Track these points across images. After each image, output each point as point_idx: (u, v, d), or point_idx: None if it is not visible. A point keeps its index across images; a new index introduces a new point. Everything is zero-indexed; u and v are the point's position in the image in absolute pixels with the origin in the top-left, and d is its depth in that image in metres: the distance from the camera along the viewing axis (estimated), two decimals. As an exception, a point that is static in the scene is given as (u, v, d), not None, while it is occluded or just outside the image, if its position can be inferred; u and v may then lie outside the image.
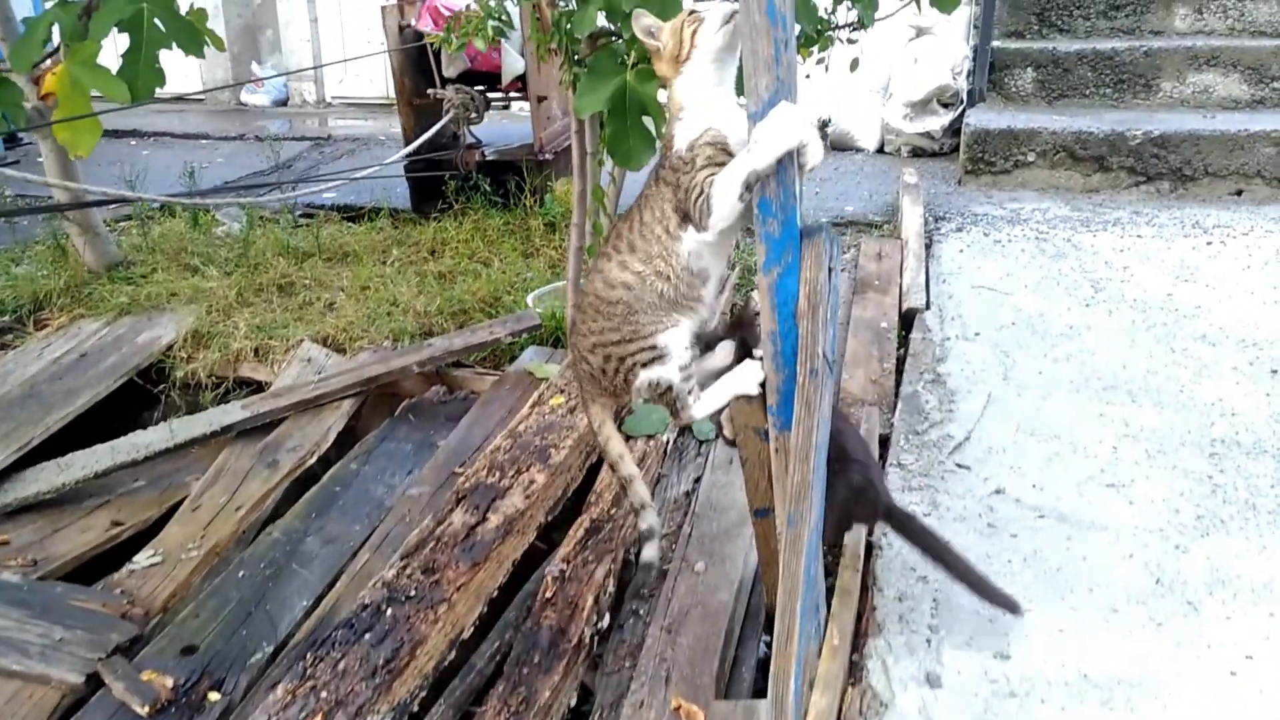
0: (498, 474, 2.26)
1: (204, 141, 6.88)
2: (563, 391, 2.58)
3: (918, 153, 5.37)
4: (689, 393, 1.58)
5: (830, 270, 1.45)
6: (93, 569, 2.60)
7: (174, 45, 3.07)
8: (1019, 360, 2.88)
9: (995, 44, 5.01)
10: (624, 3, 2.39)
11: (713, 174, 1.41)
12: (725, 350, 1.66)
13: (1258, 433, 2.40)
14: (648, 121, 2.37)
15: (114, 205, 5.05)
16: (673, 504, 2.37)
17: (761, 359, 1.52)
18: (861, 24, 2.43)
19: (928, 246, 3.82)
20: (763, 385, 1.54)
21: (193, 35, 3.10)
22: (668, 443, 2.56)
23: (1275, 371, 2.69)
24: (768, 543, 1.86)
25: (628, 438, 2.54)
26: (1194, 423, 2.46)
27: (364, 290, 3.71)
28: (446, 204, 4.49)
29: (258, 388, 3.41)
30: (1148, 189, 4.28)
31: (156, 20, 2.97)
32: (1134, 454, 2.35)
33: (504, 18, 2.27)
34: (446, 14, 4.17)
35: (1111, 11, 5.07)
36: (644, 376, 1.57)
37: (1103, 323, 3.09)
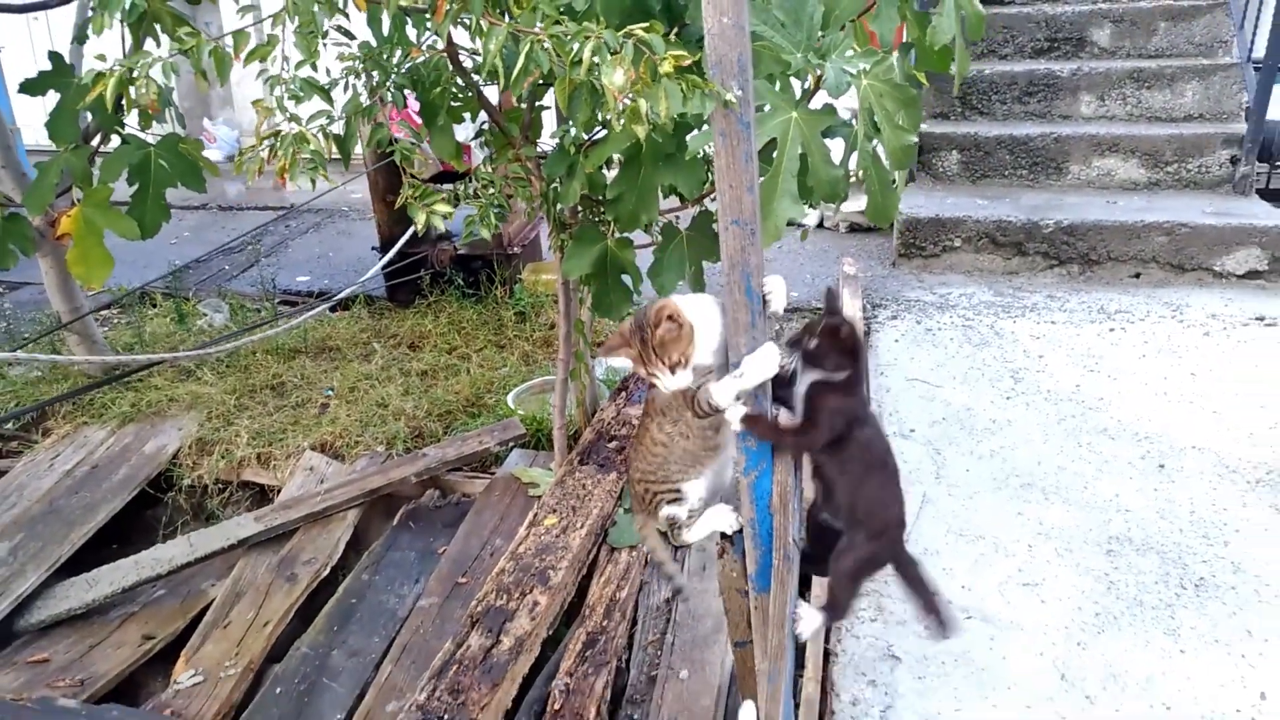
0: (505, 597, 2.61)
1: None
2: (555, 511, 2.92)
3: (855, 228, 5.81)
4: (685, 526, 1.97)
5: (796, 471, 1.83)
6: (133, 679, 2.88)
7: (178, 184, 3.38)
8: (949, 458, 3.29)
9: (923, 127, 5.47)
10: (604, 180, 2.77)
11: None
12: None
13: (1146, 529, 2.83)
14: (626, 279, 2.74)
15: (92, 293, 5.29)
16: (655, 611, 2.73)
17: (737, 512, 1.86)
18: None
19: (866, 335, 4.23)
20: (738, 530, 1.91)
21: (194, 172, 3.42)
22: (649, 551, 2.91)
23: (1162, 466, 3.14)
24: (744, 662, 2.23)
25: (612, 550, 2.89)
26: (1095, 520, 2.89)
27: (353, 391, 4.01)
28: (422, 294, 4.80)
29: (261, 490, 3.70)
30: (1060, 271, 4.76)
31: (162, 161, 3.27)
32: (1046, 553, 2.77)
33: (505, 204, 2.62)
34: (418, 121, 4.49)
35: (1025, 97, 5.56)
36: (665, 510, 1.96)
37: (1021, 416, 3.52)
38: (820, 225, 5.95)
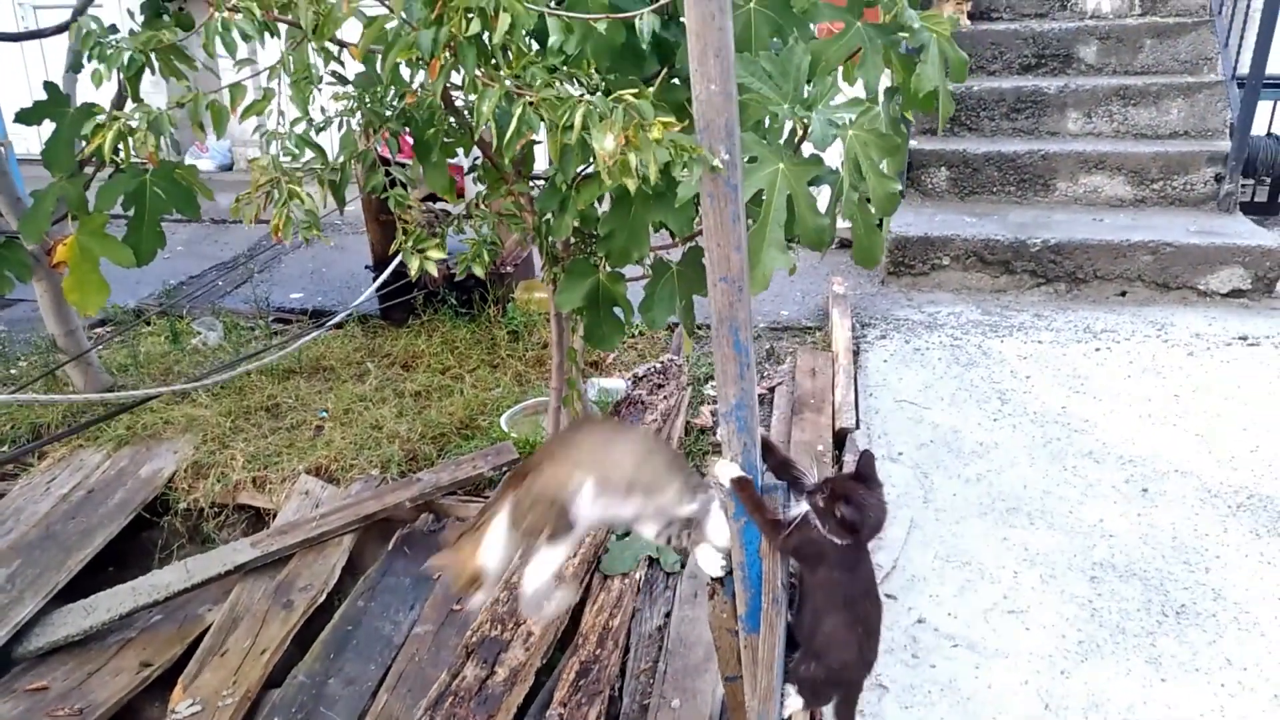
0: (499, 627, 2.65)
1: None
2: (548, 539, 2.97)
3: (845, 244, 5.84)
4: None
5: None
6: (131, 706, 2.91)
7: (174, 210, 3.41)
8: (937, 482, 3.34)
9: (912, 144, 5.52)
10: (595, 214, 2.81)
11: None
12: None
13: (1129, 554, 2.89)
14: (618, 312, 2.79)
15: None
16: (647, 639, 2.77)
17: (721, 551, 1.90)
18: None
19: (856, 354, 4.28)
20: (728, 572, 1.95)
21: (189, 198, 3.45)
22: (640, 579, 2.96)
23: (1145, 490, 3.20)
24: (734, 696, 2.27)
25: (605, 577, 2.93)
26: (1079, 545, 2.95)
27: (347, 413, 4.04)
28: (415, 313, 4.83)
29: (256, 514, 3.72)
30: (1047, 289, 4.82)
31: (157, 189, 3.30)
32: (1031, 579, 2.82)
33: (499, 241, 2.66)
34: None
35: (1013, 114, 5.62)
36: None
37: (1008, 439, 3.57)
38: (810, 240, 5.98)
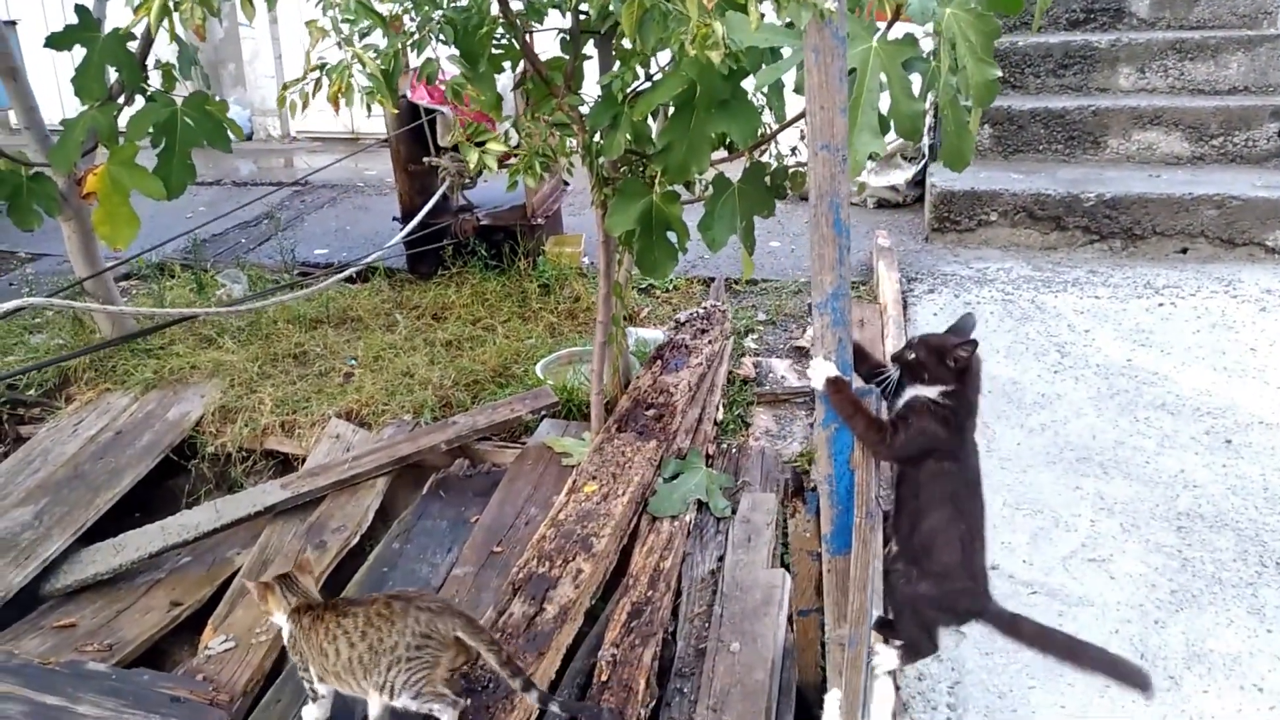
0: (547, 564, 2.49)
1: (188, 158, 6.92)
2: (594, 478, 2.81)
3: (883, 204, 5.68)
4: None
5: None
6: (159, 647, 2.78)
7: (205, 142, 3.27)
8: (999, 432, 3.17)
9: (955, 101, 5.33)
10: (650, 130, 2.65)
11: None
12: None
13: (1218, 505, 2.71)
14: (671, 237, 2.62)
15: (109, 264, 5.18)
16: (700, 583, 2.61)
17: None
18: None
19: (904, 308, 4.11)
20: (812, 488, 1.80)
21: (220, 131, 3.30)
22: (690, 522, 2.80)
23: (1229, 442, 3.01)
24: (805, 633, 2.12)
25: (653, 519, 2.77)
26: (1160, 496, 2.77)
27: (377, 360, 3.89)
28: (444, 266, 4.68)
29: (285, 459, 3.58)
30: (1101, 247, 4.63)
31: (188, 119, 3.16)
32: (1110, 528, 2.65)
33: (550, 153, 2.50)
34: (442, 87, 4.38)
35: (1060, 70, 5.42)
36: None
37: (1071, 391, 3.40)
38: (850, 201, 5.80)
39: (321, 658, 2.08)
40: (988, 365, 3.59)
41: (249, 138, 9.11)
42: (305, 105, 1.94)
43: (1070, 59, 5.38)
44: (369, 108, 1.90)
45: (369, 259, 4.30)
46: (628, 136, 2.51)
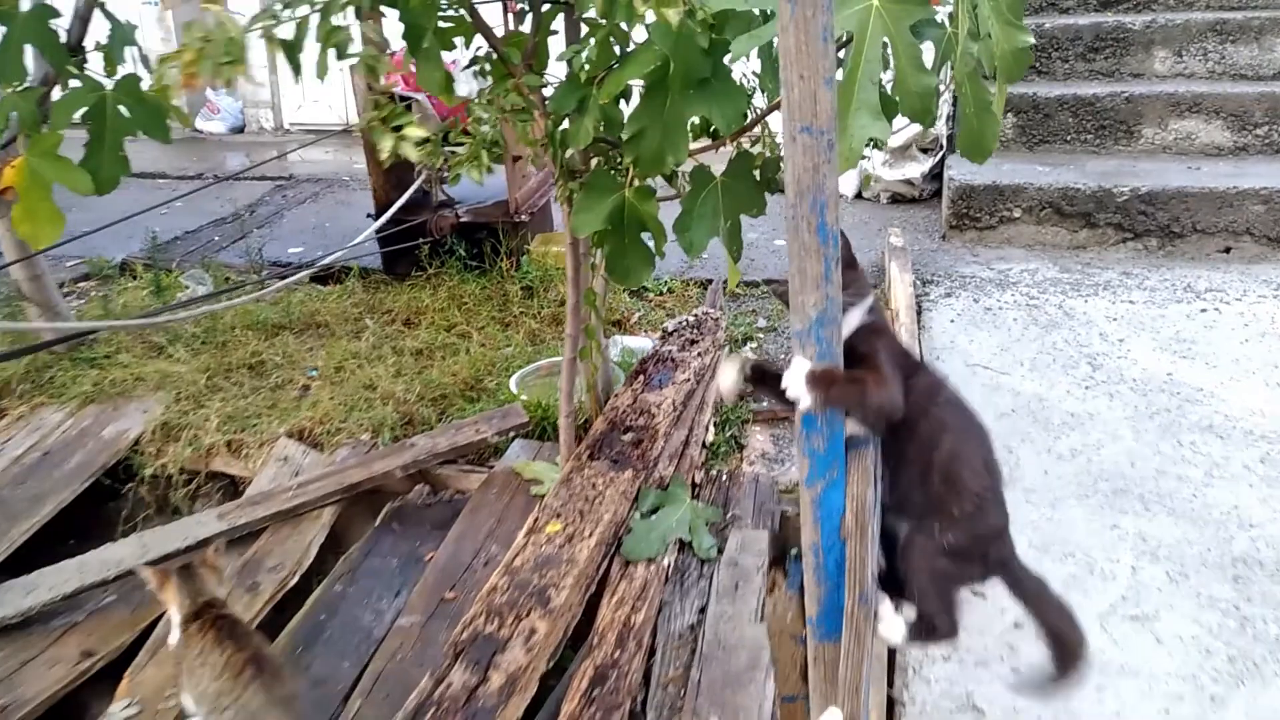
0: (496, 621, 2.14)
1: (161, 181, 6.63)
2: (559, 515, 2.45)
3: (897, 199, 5.30)
4: None
5: (877, 483, 1.35)
6: (77, 698, 2.46)
7: (139, 133, 2.92)
8: (1023, 458, 2.80)
9: (975, 88, 4.94)
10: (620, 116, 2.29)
11: None
12: None
13: (1279, 549, 2.34)
14: (647, 238, 2.26)
15: (71, 264, 4.87)
16: (678, 639, 2.25)
17: None
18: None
19: (918, 314, 3.74)
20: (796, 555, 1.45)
21: (157, 119, 2.94)
22: (668, 566, 2.44)
23: (1287, 471, 2.64)
24: (792, 718, 1.77)
25: (626, 562, 2.42)
26: (1212, 537, 2.40)
27: (339, 371, 3.56)
28: (420, 267, 4.34)
29: (231, 482, 3.26)
30: (1135, 246, 4.25)
31: (120, 107, 2.81)
32: (1155, 577, 2.28)
33: (500, 145, 2.14)
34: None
35: (1090, 54, 5.02)
36: None
37: (1104, 409, 3.03)
38: (859, 196, 5.43)
39: (189, 675, 1.91)
40: (1012, 379, 3.23)
41: (241, 130, 8.80)
42: (185, 86, 1.59)
43: (1101, 42, 4.99)
44: (230, 83, 1.56)
45: (328, 259, 3.97)
46: (596, 122, 2.16)
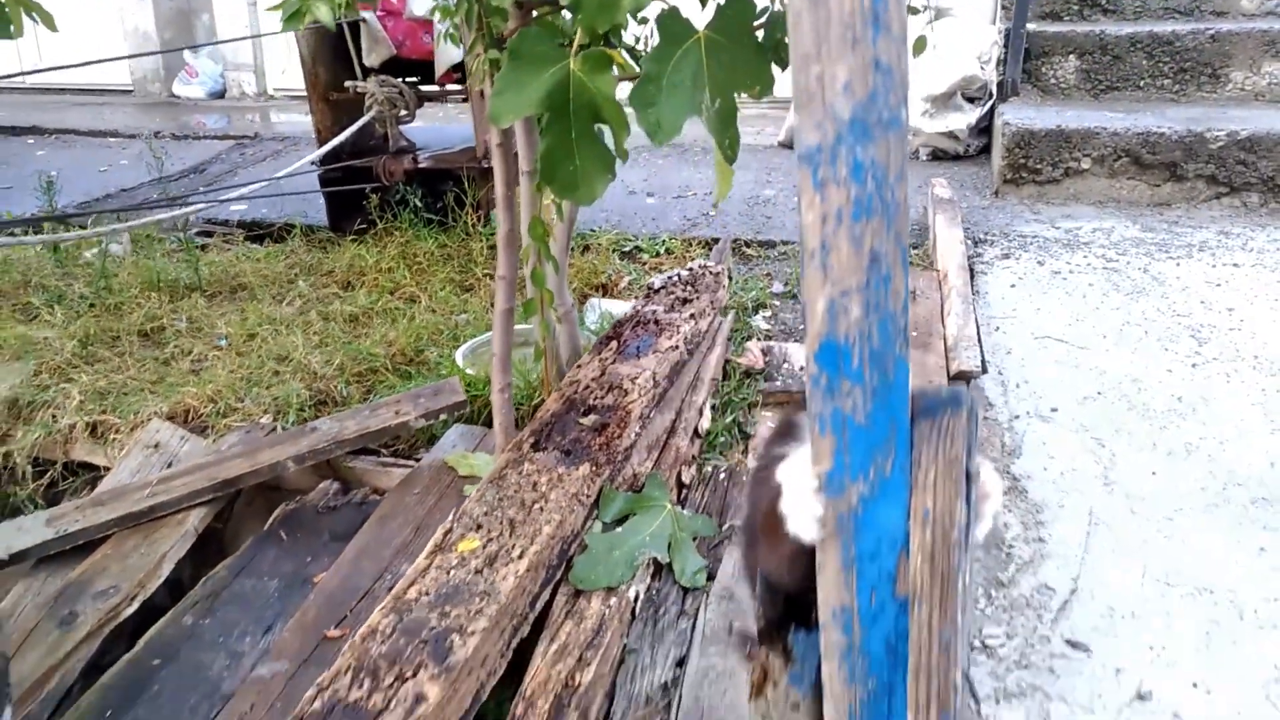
0: (368, 682, 1.44)
1: (112, 140, 5.99)
2: (479, 527, 1.75)
3: (938, 155, 4.56)
4: None
5: (970, 487, 0.65)
6: None
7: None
8: (1120, 453, 2.08)
9: (1030, 27, 4.22)
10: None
11: None
12: None
13: None
14: (603, 130, 1.56)
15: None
16: (644, 706, 1.56)
17: None
18: None
19: (971, 276, 3.02)
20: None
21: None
22: (636, 598, 1.74)
23: None
24: None
25: (576, 593, 1.72)
26: None
27: (250, 340, 2.88)
28: (369, 221, 3.66)
29: (97, 475, 2.58)
30: (1231, 202, 3.50)
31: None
32: (1337, 628, 1.56)
33: None
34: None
35: (1165, -12, 4.29)
36: None
37: (1221, 392, 2.30)
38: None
39: None
40: (1093, 355, 2.52)
41: (221, 95, 8.18)
42: None
43: (1177, -27, 4.25)
44: None
45: (230, 196, 3.29)
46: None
